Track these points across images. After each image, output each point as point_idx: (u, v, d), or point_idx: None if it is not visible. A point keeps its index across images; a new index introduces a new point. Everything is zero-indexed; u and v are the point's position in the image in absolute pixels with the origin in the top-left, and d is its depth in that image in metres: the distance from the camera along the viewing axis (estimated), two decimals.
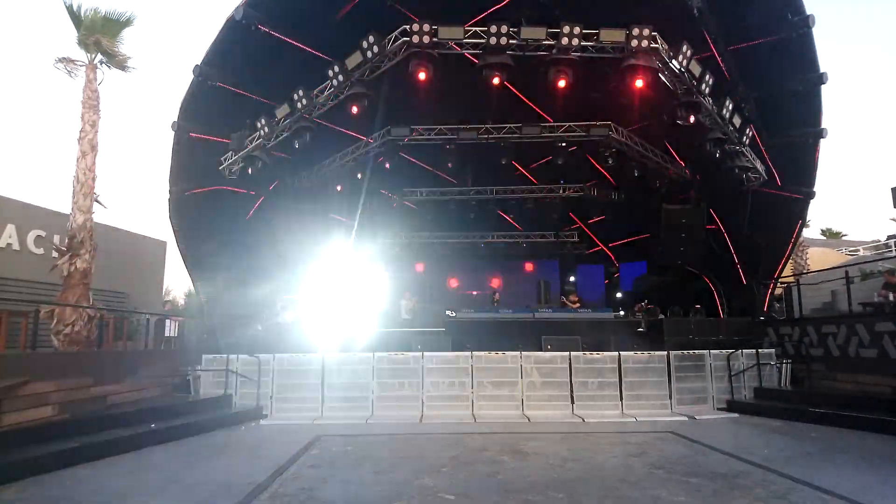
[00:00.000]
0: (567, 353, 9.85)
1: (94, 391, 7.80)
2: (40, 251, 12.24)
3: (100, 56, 9.98)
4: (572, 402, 9.61)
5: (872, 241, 23.18)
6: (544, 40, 10.45)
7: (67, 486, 5.25)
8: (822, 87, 11.62)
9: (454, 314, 12.68)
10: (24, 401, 6.56)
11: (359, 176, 15.96)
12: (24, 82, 60.49)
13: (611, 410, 9.50)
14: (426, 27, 10.23)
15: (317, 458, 6.38)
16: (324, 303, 14.62)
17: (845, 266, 12.54)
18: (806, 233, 20.04)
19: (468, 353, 9.83)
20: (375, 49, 10.55)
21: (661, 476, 5.41)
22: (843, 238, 29.67)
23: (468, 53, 10.92)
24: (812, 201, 12.95)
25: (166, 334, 11.80)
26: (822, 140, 12.30)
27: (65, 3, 9.80)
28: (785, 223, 13.43)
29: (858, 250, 21.87)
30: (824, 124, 12.12)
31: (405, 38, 10.49)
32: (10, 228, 12.00)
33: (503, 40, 10.31)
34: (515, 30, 10.35)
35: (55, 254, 9.50)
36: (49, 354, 7.98)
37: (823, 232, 31.15)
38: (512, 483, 5.21)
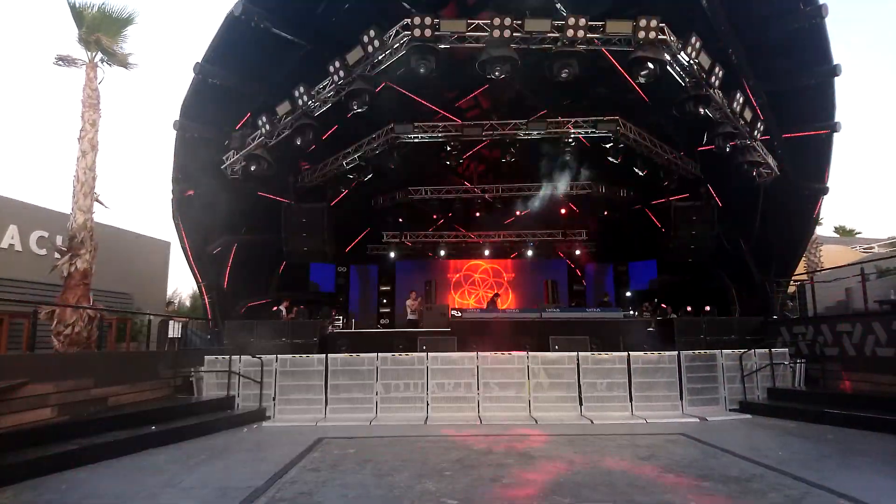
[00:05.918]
0: (575, 354, 9.63)
1: (94, 393, 7.71)
2: (42, 252, 12.18)
3: (100, 54, 9.87)
4: (580, 403, 9.40)
5: (888, 238, 22.79)
6: (549, 32, 10.27)
7: (62, 489, 5.16)
8: (836, 79, 11.37)
9: (460, 314, 12.54)
10: (23, 402, 6.48)
11: (362, 174, 15.80)
12: (25, 81, 60.71)
13: (620, 412, 9.29)
14: (428, 20, 10.09)
15: (318, 461, 6.24)
16: (329, 303, 14.55)
17: (861, 263, 12.26)
18: (819, 230, 19.69)
19: (474, 354, 9.65)
20: (377, 43, 10.42)
21: (672, 480, 5.23)
22: (857, 235, 29.15)
23: (471, 47, 10.74)
24: (825, 197, 12.70)
25: (170, 335, 11.71)
26: (835, 134, 12.05)
27: (68, 1, 9.71)
28: (798, 220, 13.16)
29: (873, 247, 21.47)
30: (838, 118, 11.88)
31: (406, 32, 10.34)
32: (13, 229, 11.94)
33: (507, 33, 10.14)
34: (519, 22, 10.17)
35: (56, 254, 9.39)
36: (49, 356, 7.89)
37: (836, 229, 30.62)
38: (517, 488, 5.04)
